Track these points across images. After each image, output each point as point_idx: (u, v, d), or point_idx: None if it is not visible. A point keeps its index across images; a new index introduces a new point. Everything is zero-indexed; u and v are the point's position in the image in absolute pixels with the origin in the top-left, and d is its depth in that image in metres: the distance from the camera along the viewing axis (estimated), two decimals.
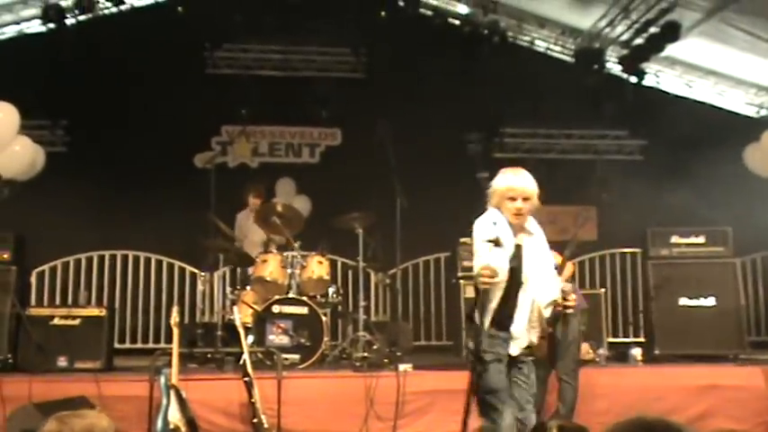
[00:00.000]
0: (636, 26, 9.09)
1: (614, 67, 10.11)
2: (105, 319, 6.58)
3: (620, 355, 7.37)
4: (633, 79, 9.86)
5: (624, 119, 10.22)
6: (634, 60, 9.61)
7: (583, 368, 6.58)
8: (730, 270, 7.24)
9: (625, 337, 8.92)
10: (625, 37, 9.45)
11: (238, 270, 8.03)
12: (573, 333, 5.75)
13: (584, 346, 6.87)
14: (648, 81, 10.11)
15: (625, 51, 9.68)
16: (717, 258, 7.26)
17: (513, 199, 4.03)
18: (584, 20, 9.81)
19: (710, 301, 7.08)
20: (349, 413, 5.78)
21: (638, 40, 9.26)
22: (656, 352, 7.08)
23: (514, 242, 4.04)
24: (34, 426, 4.88)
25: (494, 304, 3.95)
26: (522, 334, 4.04)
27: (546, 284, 4.08)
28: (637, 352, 7.07)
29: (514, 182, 4.09)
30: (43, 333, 6.30)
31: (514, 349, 4.04)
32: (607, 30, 9.61)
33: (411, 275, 9.25)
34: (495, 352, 3.98)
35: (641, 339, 8.02)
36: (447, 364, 6.57)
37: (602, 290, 7.92)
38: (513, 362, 4.08)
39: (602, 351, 7.07)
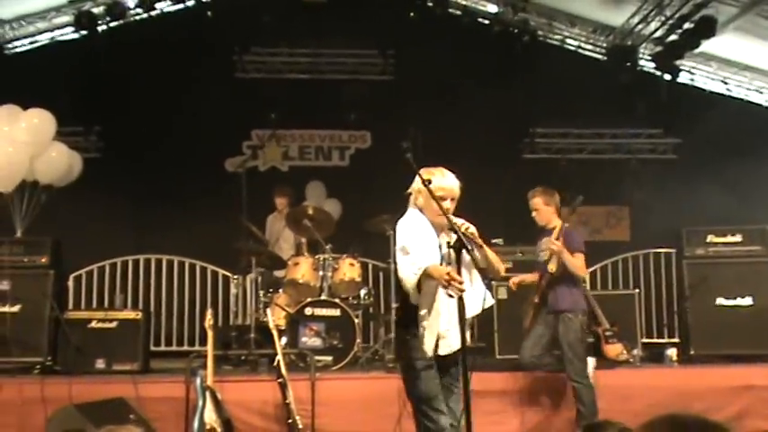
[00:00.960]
0: (670, 22, 8.96)
1: (647, 65, 9.99)
2: (141, 322, 6.67)
3: (654, 355, 7.29)
4: (667, 76, 9.74)
5: (658, 117, 10.08)
6: (668, 57, 9.48)
7: (617, 369, 6.55)
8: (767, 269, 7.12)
9: (659, 337, 8.79)
10: (659, 33, 9.32)
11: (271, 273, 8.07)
12: (574, 333, 5.70)
13: (618, 347, 6.82)
14: (683, 78, 9.98)
15: (659, 48, 9.56)
16: (754, 257, 7.14)
17: (442, 199, 3.94)
18: (617, 17, 9.72)
19: (747, 301, 6.97)
20: (382, 414, 5.78)
21: (673, 37, 9.14)
22: (692, 352, 6.99)
23: (440, 242, 3.97)
24: (75, 426, 4.99)
25: (425, 307, 3.85)
26: (452, 334, 3.88)
27: (474, 288, 3.96)
28: (672, 352, 6.98)
29: (444, 182, 4.02)
30: (81, 336, 6.41)
31: (444, 349, 3.91)
32: (640, 26, 9.50)
33: None
34: (426, 357, 3.88)
35: (676, 340, 7.91)
36: (479, 365, 6.53)
37: (636, 290, 7.82)
38: (444, 365, 3.97)
39: (637, 352, 6.99)
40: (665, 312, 9.02)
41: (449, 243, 3.82)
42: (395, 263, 4.07)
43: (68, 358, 6.37)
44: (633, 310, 7.41)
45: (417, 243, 3.88)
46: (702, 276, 7.12)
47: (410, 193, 4.12)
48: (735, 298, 6.97)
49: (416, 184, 4.03)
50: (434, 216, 3.95)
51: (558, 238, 5.72)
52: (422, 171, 3.98)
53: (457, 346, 3.88)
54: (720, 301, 7.01)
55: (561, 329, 5.70)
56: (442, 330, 3.90)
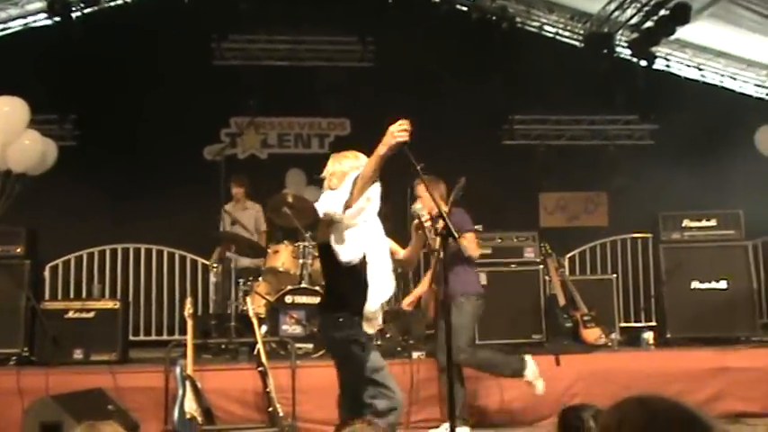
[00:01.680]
0: (646, 9, 9.04)
1: (624, 52, 10.05)
2: (119, 312, 6.62)
3: (632, 339, 7.38)
4: (643, 63, 9.79)
5: (634, 103, 10.15)
6: (644, 44, 9.54)
7: (595, 353, 6.63)
8: (742, 253, 7.21)
9: (637, 321, 8.90)
10: (635, 20, 9.39)
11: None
12: (464, 317, 5.53)
13: (596, 331, 6.90)
14: (659, 65, 10.05)
15: (635, 35, 9.62)
16: (729, 241, 7.23)
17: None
18: (594, 4, 9.76)
19: (722, 285, 7.06)
20: None
21: (648, 24, 9.21)
22: (668, 336, 7.08)
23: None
24: (53, 418, 4.96)
25: (360, 285, 3.88)
26: (378, 313, 3.99)
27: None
28: (648, 336, 7.07)
29: (361, 161, 4.03)
30: (58, 326, 6.36)
31: (371, 330, 3.98)
32: (616, 13, 9.56)
33: (423, 263, 9.25)
34: (363, 333, 3.91)
35: (653, 323, 8.01)
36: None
37: (614, 275, 7.91)
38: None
39: (615, 336, 7.07)
40: (641, 297, 9.12)
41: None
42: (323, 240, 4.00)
43: (45, 349, 6.31)
44: (611, 295, 7.51)
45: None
46: (678, 261, 7.20)
47: (323, 178, 4.10)
48: (710, 282, 7.07)
49: (329, 165, 4.06)
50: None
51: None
52: (333, 155, 4.13)
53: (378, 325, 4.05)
54: (696, 284, 7.10)
55: (453, 313, 5.34)
56: (374, 310, 3.93)
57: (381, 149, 3.61)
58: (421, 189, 5.33)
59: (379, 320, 4.04)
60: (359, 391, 3.96)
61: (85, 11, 9.18)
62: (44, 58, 8.76)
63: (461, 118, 9.46)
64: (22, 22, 9.58)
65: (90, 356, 6.39)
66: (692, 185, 8.58)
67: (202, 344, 6.60)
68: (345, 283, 3.94)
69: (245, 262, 7.82)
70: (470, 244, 5.60)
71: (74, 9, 9.09)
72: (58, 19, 9.05)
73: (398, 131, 3.55)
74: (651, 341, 7.01)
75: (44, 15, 9.31)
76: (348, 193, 3.80)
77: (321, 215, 3.95)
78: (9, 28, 9.59)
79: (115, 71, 8.98)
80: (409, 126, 3.58)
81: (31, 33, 9.55)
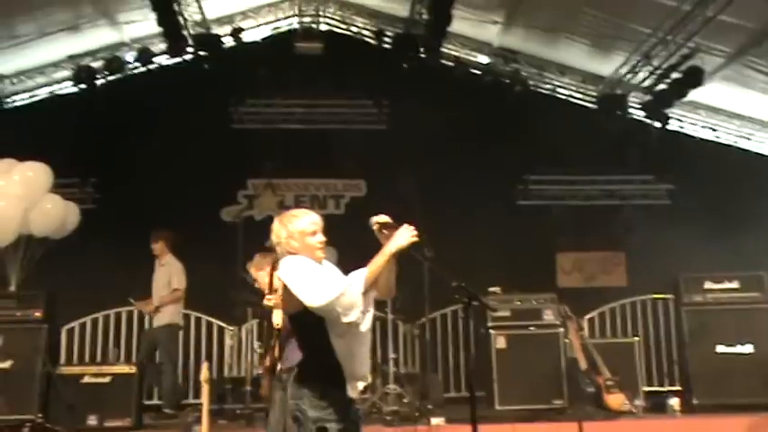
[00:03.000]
0: (658, 72, 9.11)
1: (637, 113, 10.12)
2: (135, 377, 6.58)
3: (657, 405, 7.21)
4: (657, 124, 9.85)
5: (649, 163, 10.16)
6: (657, 106, 9.62)
7: (620, 420, 6.47)
8: (767, 316, 7.09)
9: (660, 385, 8.71)
10: (647, 83, 9.47)
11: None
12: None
13: (620, 397, 6.75)
14: (673, 125, 10.10)
15: (648, 97, 9.70)
16: (752, 304, 7.13)
17: (315, 233, 3.77)
18: (605, 67, 9.88)
19: (748, 348, 6.94)
20: None
21: (661, 86, 9.28)
22: (695, 402, 6.92)
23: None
24: None
25: (345, 351, 3.60)
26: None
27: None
28: (675, 402, 6.91)
29: (313, 216, 3.83)
30: (74, 391, 6.32)
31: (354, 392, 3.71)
32: (629, 76, 9.64)
33: (440, 326, 9.17)
34: (339, 419, 3.56)
35: (678, 388, 7.84)
36: (480, 417, 6.44)
37: (636, 338, 7.77)
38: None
39: (639, 402, 6.92)
40: (664, 360, 8.96)
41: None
42: (298, 314, 3.65)
43: (60, 415, 6.25)
44: (633, 359, 7.37)
45: (325, 272, 3.69)
46: (701, 323, 7.11)
47: (276, 245, 3.80)
48: (735, 345, 6.95)
49: (279, 230, 3.77)
50: (313, 254, 3.74)
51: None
52: (278, 219, 3.83)
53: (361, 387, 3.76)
54: (721, 348, 6.98)
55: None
56: (360, 373, 3.70)
57: (392, 248, 3.57)
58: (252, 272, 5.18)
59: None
60: None
61: (109, 78, 9.40)
62: (68, 124, 8.97)
63: (476, 179, 9.48)
64: (48, 89, 9.84)
65: (104, 422, 6.33)
66: (711, 246, 8.50)
67: (218, 409, 6.51)
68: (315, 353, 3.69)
69: (164, 319, 7.65)
70: None
71: (98, 77, 9.32)
72: (83, 86, 9.28)
73: (410, 235, 3.54)
74: (677, 407, 6.85)
75: (70, 83, 9.55)
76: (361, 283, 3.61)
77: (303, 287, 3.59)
78: (36, 95, 9.86)
79: (136, 135, 9.13)
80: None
81: (56, 100, 9.80)
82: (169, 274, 7.80)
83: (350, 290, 3.58)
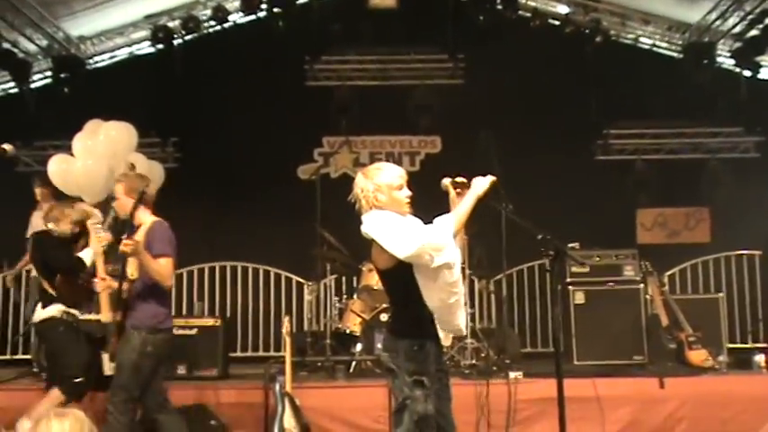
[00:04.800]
0: (750, 17, 8.68)
1: (726, 62, 9.67)
2: (221, 329, 6.80)
3: (741, 361, 7.02)
4: (747, 73, 9.40)
5: (738, 115, 9.72)
6: (748, 53, 9.16)
7: (702, 376, 6.34)
8: None
9: (744, 343, 8.47)
10: (738, 29, 9.03)
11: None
12: (128, 354, 4.64)
13: (703, 353, 6.61)
14: (763, 74, 9.61)
15: (738, 44, 9.25)
16: None
17: (402, 187, 3.76)
18: (693, 13, 9.45)
19: None
20: (459, 421, 5.61)
21: (753, 32, 8.84)
22: None
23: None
24: None
25: (437, 300, 3.68)
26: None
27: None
28: (760, 358, 6.72)
29: (399, 170, 3.83)
30: None
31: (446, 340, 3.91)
32: (718, 22, 9.21)
33: (516, 282, 9.11)
34: (432, 372, 3.68)
35: (763, 345, 7.61)
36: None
37: (721, 294, 7.54)
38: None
39: (722, 358, 6.76)
40: (749, 317, 8.69)
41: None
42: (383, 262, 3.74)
43: None
44: (717, 315, 7.18)
45: (411, 223, 3.71)
46: None
47: (361, 198, 3.77)
48: None
49: (365, 184, 3.75)
50: (400, 208, 3.76)
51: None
52: (362, 172, 3.84)
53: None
54: None
55: (120, 346, 4.73)
56: (454, 323, 3.80)
57: (476, 192, 3.74)
58: (117, 189, 4.91)
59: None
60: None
61: (186, 38, 9.57)
62: (147, 84, 9.18)
63: (554, 133, 9.29)
64: (127, 50, 10.06)
65: (193, 372, 6.57)
66: None
67: (299, 361, 6.68)
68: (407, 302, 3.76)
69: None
70: (162, 270, 4.68)
71: (175, 36, 9.49)
72: (160, 46, 9.47)
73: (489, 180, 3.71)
74: (763, 364, 6.66)
75: (148, 43, 9.75)
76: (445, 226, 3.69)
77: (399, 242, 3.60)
78: (116, 56, 10.09)
79: (213, 94, 9.29)
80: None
81: (135, 61, 10.01)
82: None
83: (438, 232, 3.60)
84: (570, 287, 7.08)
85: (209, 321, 6.86)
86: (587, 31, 9.44)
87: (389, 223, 3.66)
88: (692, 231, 10.06)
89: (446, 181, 3.92)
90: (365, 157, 10.23)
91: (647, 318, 7.05)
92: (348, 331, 7.03)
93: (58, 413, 2.59)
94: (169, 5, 9.64)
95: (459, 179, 3.87)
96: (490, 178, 3.74)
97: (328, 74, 10.26)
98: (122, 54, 10.10)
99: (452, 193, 3.88)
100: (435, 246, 3.57)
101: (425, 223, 3.79)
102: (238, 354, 8.74)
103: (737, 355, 7.30)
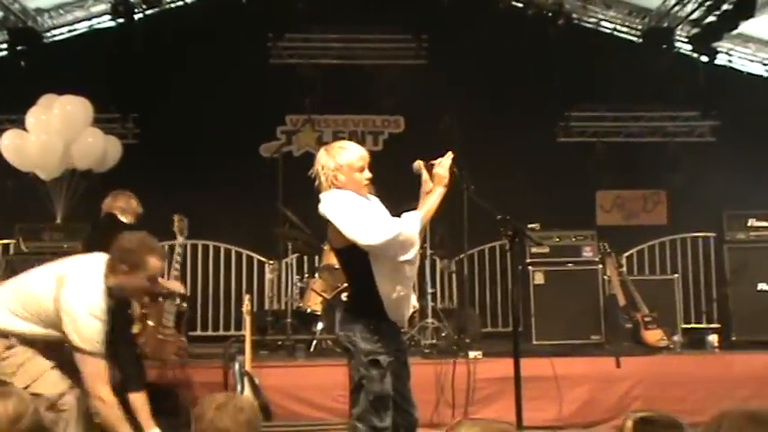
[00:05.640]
0: (707, 3, 8.78)
1: (684, 47, 9.81)
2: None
3: (695, 341, 7.21)
4: (704, 58, 9.55)
5: (695, 99, 9.90)
6: (705, 39, 9.29)
7: (657, 355, 6.49)
8: None
9: (699, 323, 8.69)
10: (696, 15, 9.14)
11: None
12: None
13: (658, 333, 6.76)
14: (720, 60, 9.77)
15: (696, 30, 9.37)
16: None
17: (363, 168, 3.74)
18: None
19: None
20: (419, 400, 5.66)
21: (710, 18, 8.95)
22: (733, 338, 6.91)
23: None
24: None
25: (394, 282, 3.65)
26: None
27: None
28: (713, 338, 6.91)
29: (362, 151, 3.80)
30: None
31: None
32: (676, 8, 9.32)
33: (477, 262, 9.20)
34: (389, 350, 3.68)
35: (716, 325, 7.81)
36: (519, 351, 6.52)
37: (676, 275, 7.71)
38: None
39: (677, 338, 6.93)
40: (704, 298, 8.90)
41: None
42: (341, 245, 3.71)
43: None
44: (673, 296, 7.35)
45: (375, 209, 3.71)
46: (743, 261, 7.04)
47: (320, 176, 3.73)
48: None
49: (326, 161, 3.71)
50: (359, 189, 3.73)
51: None
52: (324, 149, 3.79)
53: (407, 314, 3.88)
54: (762, 286, 6.91)
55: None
56: (401, 315, 3.80)
57: (441, 184, 3.74)
58: None
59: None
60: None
61: (147, 12, 9.36)
62: (107, 59, 8.98)
63: (516, 115, 9.36)
64: (87, 23, 9.82)
65: None
66: (755, 184, 8.34)
67: (259, 340, 6.66)
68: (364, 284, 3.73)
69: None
70: None
71: (136, 11, 9.28)
72: (121, 20, 9.26)
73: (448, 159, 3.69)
74: (715, 343, 6.85)
75: (108, 17, 9.51)
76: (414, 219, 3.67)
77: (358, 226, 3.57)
78: (75, 30, 9.83)
79: (175, 71, 9.13)
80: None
81: (95, 34, 9.78)
82: None
83: (407, 228, 3.58)
84: (530, 267, 7.17)
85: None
86: (550, 13, 9.48)
87: (355, 207, 3.63)
88: (649, 213, 10.25)
89: (418, 163, 3.92)
90: (328, 136, 10.17)
91: (604, 298, 7.17)
92: (309, 310, 7.02)
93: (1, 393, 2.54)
94: None
95: (432, 162, 3.87)
96: (449, 160, 3.72)
97: (292, 52, 10.15)
98: (81, 28, 9.85)
99: (425, 174, 3.88)
100: (404, 241, 3.56)
101: (390, 209, 3.79)
102: (198, 333, 8.68)
103: (691, 335, 7.50)
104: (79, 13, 9.69)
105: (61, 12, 9.63)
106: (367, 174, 3.77)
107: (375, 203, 3.82)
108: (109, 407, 3.85)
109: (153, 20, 9.39)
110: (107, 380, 3.91)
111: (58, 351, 4.06)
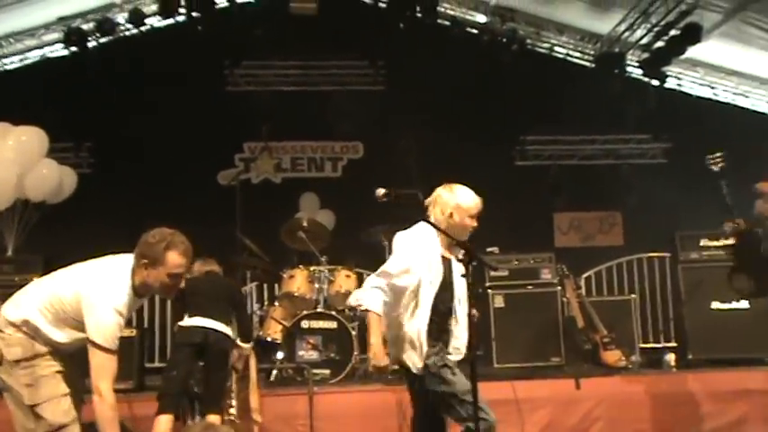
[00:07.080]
0: (656, 29, 9.05)
1: (635, 71, 10.06)
2: (136, 340, 6.60)
3: (653, 361, 7.31)
4: (655, 82, 9.80)
5: (647, 123, 10.14)
6: (655, 64, 9.56)
7: (616, 376, 6.55)
8: None
9: (656, 342, 8.80)
10: (645, 40, 9.40)
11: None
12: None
13: (617, 353, 6.83)
14: (670, 84, 10.05)
15: (646, 55, 9.63)
16: None
17: (473, 217, 4.02)
18: (603, 25, 9.79)
19: (743, 305, 6.97)
20: (382, 426, 5.75)
21: (659, 44, 9.22)
22: (690, 357, 7.00)
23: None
24: None
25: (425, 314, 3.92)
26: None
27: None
28: (670, 357, 7.01)
29: (479, 200, 4.06)
30: None
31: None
32: (627, 34, 9.57)
33: None
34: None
35: (673, 344, 7.92)
36: (479, 375, 6.51)
37: (633, 296, 7.81)
38: None
39: (635, 358, 7.00)
40: (660, 317, 9.03)
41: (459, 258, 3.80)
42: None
43: None
44: (630, 316, 7.43)
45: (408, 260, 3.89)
46: (697, 281, 7.14)
47: (434, 208, 4.05)
48: (730, 302, 6.98)
49: (448, 199, 4.02)
50: (464, 232, 3.99)
51: None
52: (447, 188, 4.04)
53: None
54: (716, 305, 7.03)
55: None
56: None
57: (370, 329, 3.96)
58: None
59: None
60: (456, 407, 3.90)
61: (101, 41, 9.28)
62: (61, 88, 8.88)
63: (473, 139, 9.44)
64: (39, 52, 9.68)
65: None
66: (707, 204, 8.49)
67: None
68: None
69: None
70: None
71: (90, 39, 9.19)
72: (74, 49, 9.14)
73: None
74: (673, 363, 6.94)
75: (61, 46, 9.40)
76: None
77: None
78: (27, 59, 9.70)
79: (130, 99, 9.04)
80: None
81: (48, 63, 9.65)
82: None
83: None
84: (490, 291, 7.20)
85: (125, 332, 6.60)
86: (504, 39, 9.65)
87: (405, 246, 3.93)
88: (605, 235, 10.42)
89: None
90: (287, 163, 10.17)
91: (563, 320, 7.22)
92: (269, 339, 6.94)
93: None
94: (83, 8, 9.33)
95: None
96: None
97: (249, 79, 10.16)
98: (34, 57, 9.72)
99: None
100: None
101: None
102: (156, 364, 8.51)
103: (649, 355, 7.59)
104: (31, 42, 9.56)
105: (12, 40, 9.49)
106: (474, 223, 4.00)
107: (433, 250, 3.97)
108: (105, 404, 3.76)
109: (107, 48, 9.33)
110: (112, 377, 3.86)
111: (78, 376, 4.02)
